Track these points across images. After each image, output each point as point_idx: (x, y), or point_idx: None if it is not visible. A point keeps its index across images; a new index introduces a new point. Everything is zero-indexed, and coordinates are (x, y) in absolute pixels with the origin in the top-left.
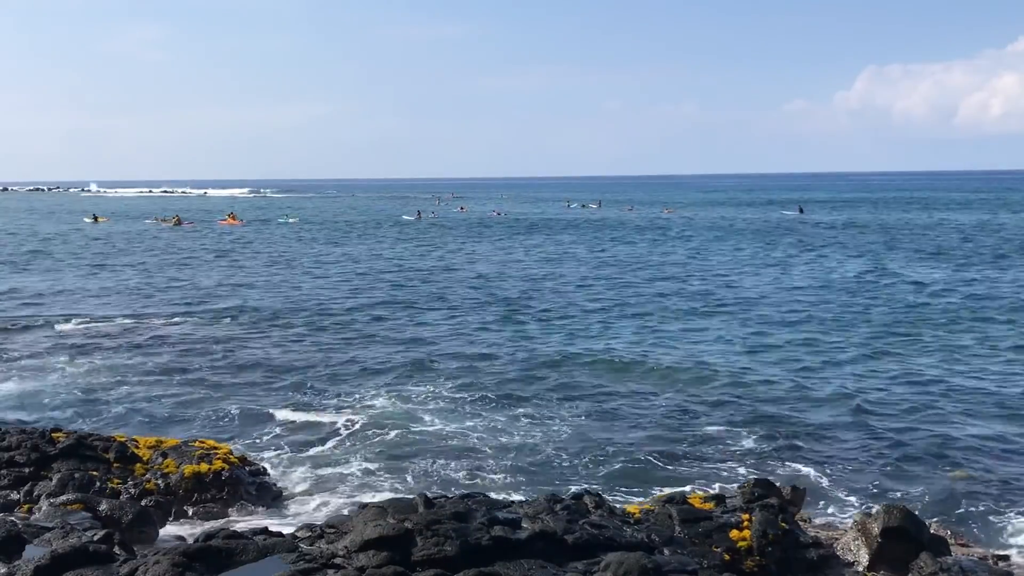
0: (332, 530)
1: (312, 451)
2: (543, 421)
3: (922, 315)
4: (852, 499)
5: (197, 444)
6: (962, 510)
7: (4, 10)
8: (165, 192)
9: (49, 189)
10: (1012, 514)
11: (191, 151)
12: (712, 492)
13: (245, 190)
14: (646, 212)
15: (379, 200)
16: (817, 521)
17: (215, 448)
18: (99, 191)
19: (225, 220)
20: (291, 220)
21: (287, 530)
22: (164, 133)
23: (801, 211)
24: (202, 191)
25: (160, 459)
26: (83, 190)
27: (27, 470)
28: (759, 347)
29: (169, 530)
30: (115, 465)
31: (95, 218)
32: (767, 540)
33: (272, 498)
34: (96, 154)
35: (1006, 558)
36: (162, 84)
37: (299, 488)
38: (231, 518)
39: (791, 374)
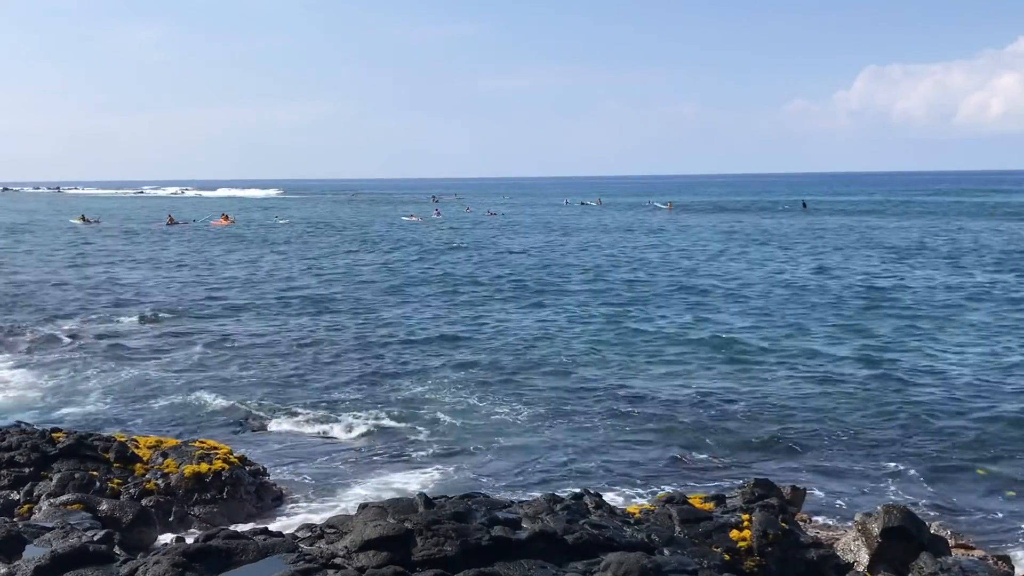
0: (332, 530)
1: (312, 451)
2: (543, 421)
3: (921, 313)
4: (852, 499)
5: (197, 444)
6: (962, 510)
7: (4, 10)
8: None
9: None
10: (1012, 514)
11: (192, 151)
12: (712, 492)
13: (253, 191)
14: (643, 210)
15: (372, 203)
16: (817, 521)
17: (215, 448)
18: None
19: (218, 221)
20: (281, 222)
21: (287, 530)
22: (164, 133)
23: (805, 206)
24: (201, 192)
25: (160, 459)
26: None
27: (27, 470)
28: (759, 346)
29: (169, 530)
30: (115, 465)
31: (83, 218)
32: (767, 540)
33: (272, 498)
34: (96, 154)
35: (1006, 558)
36: (162, 84)
37: (299, 488)
38: (231, 518)
39: (790, 373)
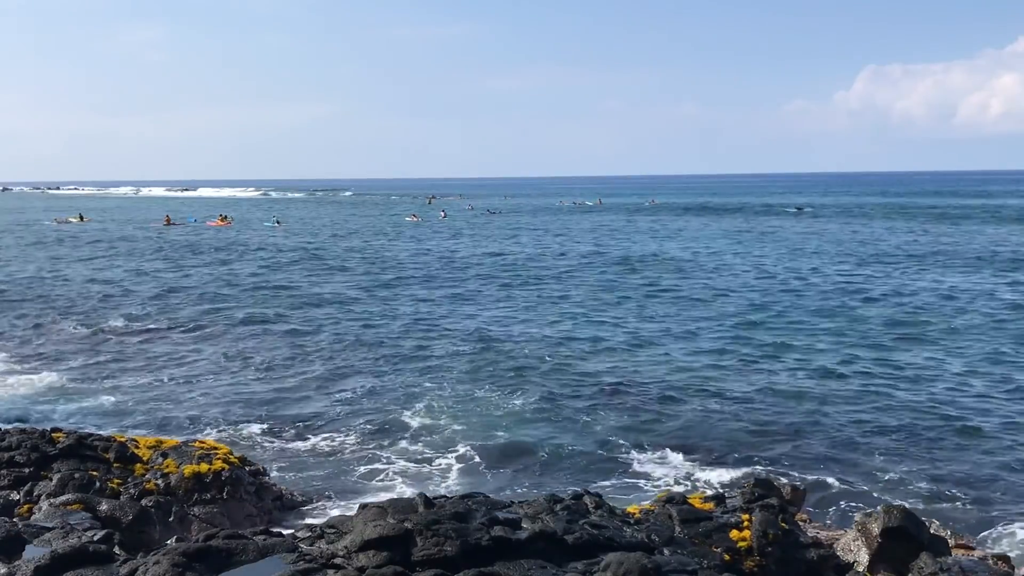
0: (332, 530)
1: (312, 451)
2: (543, 421)
3: (922, 315)
4: (852, 499)
5: (197, 444)
6: (962, 510)
7: (4, 10)
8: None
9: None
10: (1012, 514)
11: (192, 151)
12: (712, 492)
13: (251, 190)
14: (642, 209)
15: (372, 204)
16: (817, 521)
17: (215, 448)
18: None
19: (215, 221)
20: (279, 224)
21: (287, 530)
22: (165, 133)
23: (800, 210)
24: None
25: (160, 459)
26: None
27: (27, 470)
28: (759, 346)
29: (169, 530)
30: (115, 465)
31: (81, 217)
32: (767, 540)
33: (272, 498)
34: (95, 154)
35: (1006, 558)
36: (162, 84)
37: (299, 488)
38: (231, 518)
39: (790, 374)
